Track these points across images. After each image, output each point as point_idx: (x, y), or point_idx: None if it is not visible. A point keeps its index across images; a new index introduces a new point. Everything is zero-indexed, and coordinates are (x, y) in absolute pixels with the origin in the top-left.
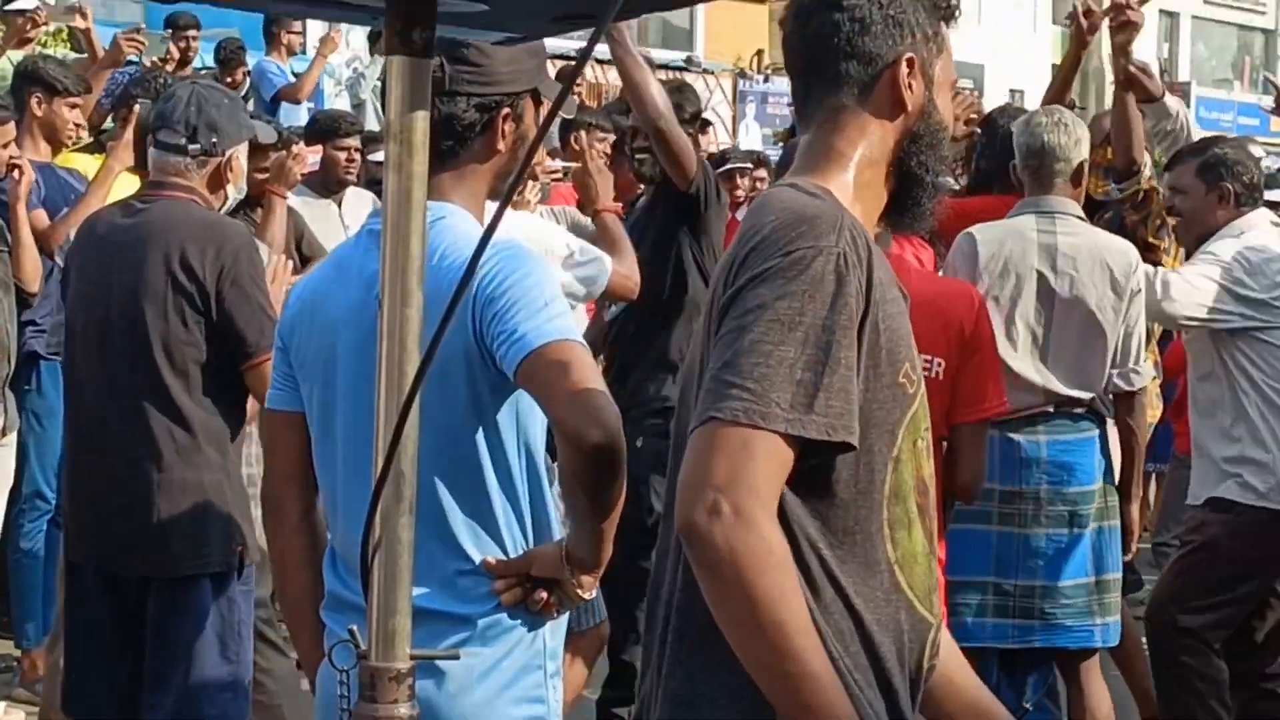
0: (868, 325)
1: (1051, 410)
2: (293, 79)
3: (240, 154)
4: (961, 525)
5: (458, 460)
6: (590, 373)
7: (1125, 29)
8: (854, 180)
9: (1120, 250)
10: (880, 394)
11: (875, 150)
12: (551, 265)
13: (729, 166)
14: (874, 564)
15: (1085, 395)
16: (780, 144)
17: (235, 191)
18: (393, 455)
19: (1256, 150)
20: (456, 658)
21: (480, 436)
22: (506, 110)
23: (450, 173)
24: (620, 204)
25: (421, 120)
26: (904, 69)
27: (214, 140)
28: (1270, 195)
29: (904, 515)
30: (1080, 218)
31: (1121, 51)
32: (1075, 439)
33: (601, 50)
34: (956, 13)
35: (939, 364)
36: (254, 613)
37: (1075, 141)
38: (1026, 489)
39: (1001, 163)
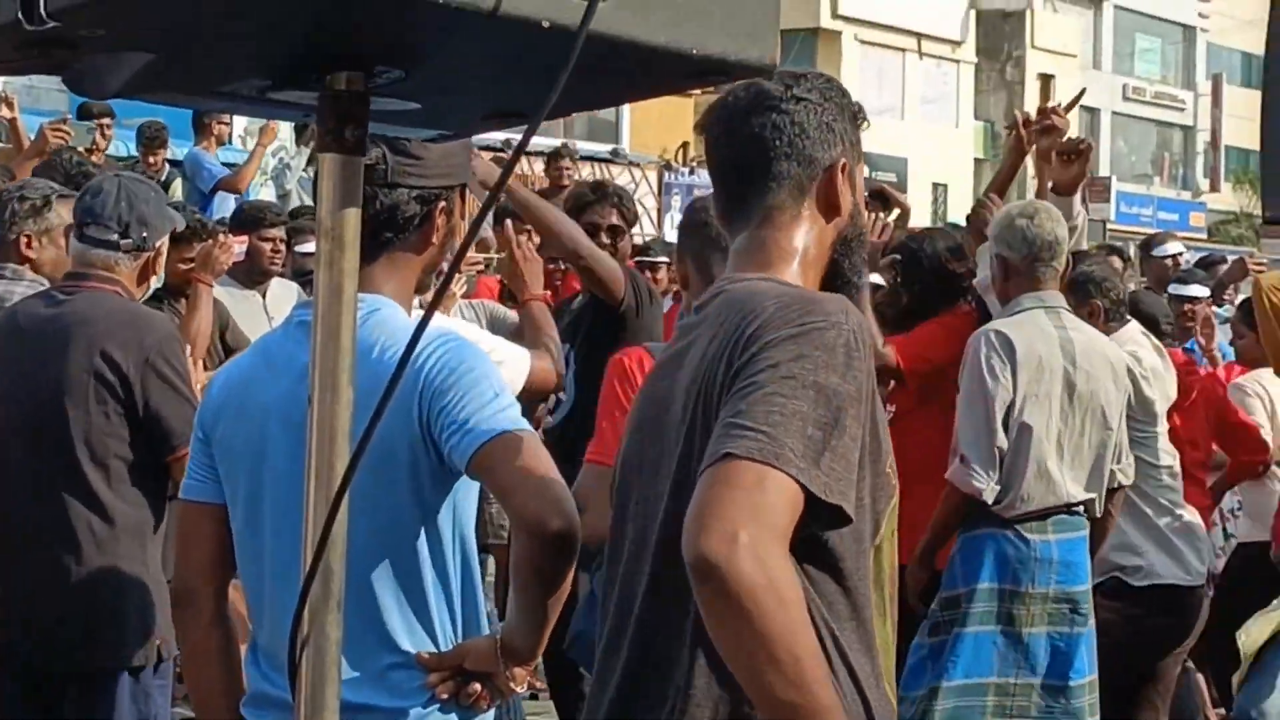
0: (865, 410)
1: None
2: (223, 169)
3: (164, 244)
4: (970, 628)
5: (396, 551)
6: (545, 461)
7: (1048, 134)
8: (800, 278)
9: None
10: (874, 480)
11: (814, 251)
12: None
13: (651, 259)
14: (869, 649)
15: (1093, 497)
16: None
17: (156, 280)
18: (322, 551)
19: (1175, 245)
20: None
21: (420, 528)
22: (442, 203)
23: (384, 264)
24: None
25: (353, 217)
26: (839, 173)
27: (145, 235)
28: (1189, 290)
29: (880, 602)
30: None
31: (1044, 157)
32: (1074, 537)
33: (596, 150)
34: (866, 124)
35: None
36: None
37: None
38: (1035, 590)
39: (927, 285)
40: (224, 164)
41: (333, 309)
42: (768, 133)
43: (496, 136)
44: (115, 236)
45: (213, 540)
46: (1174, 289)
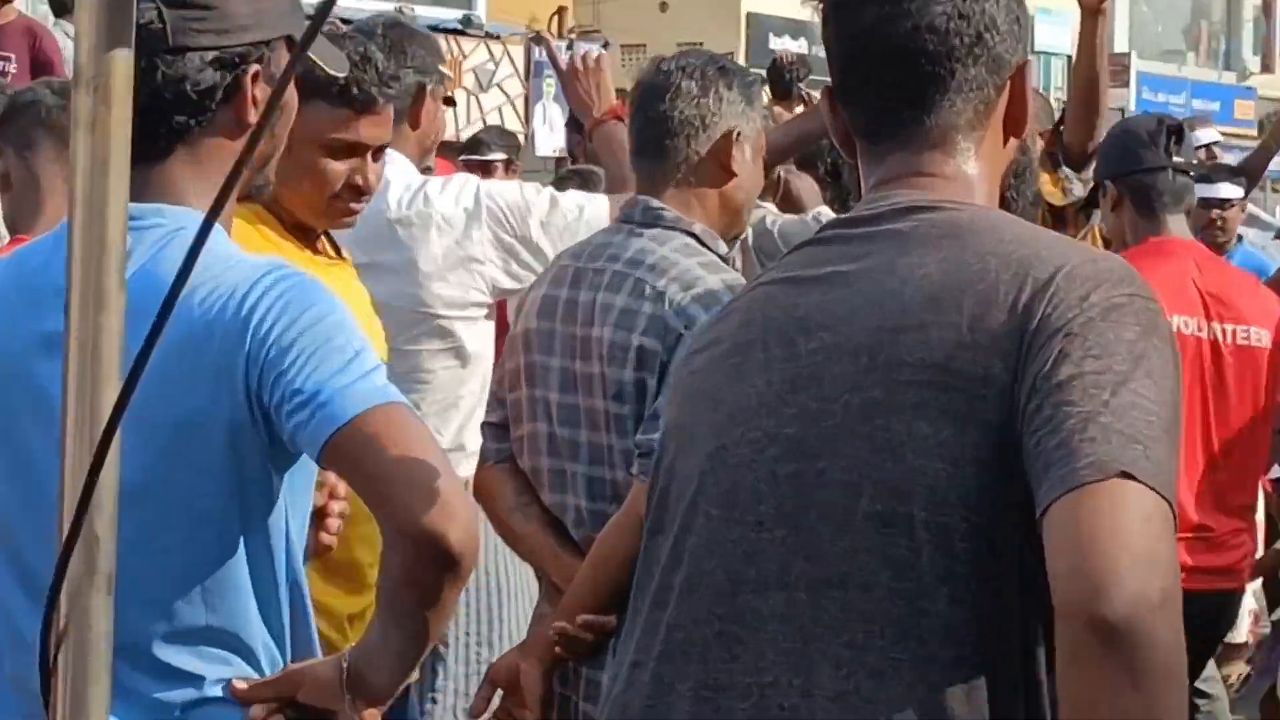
0: None
1: None
2: None
3: None
4: None
5: (207, 558)
6: (428, 447)
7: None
8: None
9: None
10: None
11: (995, 188)
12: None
13: (483, 158)
14: None
15: None
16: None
17: None
18: (83, 511)
19: (1208, 133)
20: None
21: (239, 530)
22: (256, 67)
23: (182, 161)
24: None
25: (123, 61)
26: (1025, 79)
27: None
28: (1217, 192)
29: None
30: None
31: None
32: None
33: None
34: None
35: None
36: None
37: None
38: None
39: None
40: None
41: (96, 184)
42: (951, 24)
43: (447, 15)
44: None
45: None
46: (1200, 190)
